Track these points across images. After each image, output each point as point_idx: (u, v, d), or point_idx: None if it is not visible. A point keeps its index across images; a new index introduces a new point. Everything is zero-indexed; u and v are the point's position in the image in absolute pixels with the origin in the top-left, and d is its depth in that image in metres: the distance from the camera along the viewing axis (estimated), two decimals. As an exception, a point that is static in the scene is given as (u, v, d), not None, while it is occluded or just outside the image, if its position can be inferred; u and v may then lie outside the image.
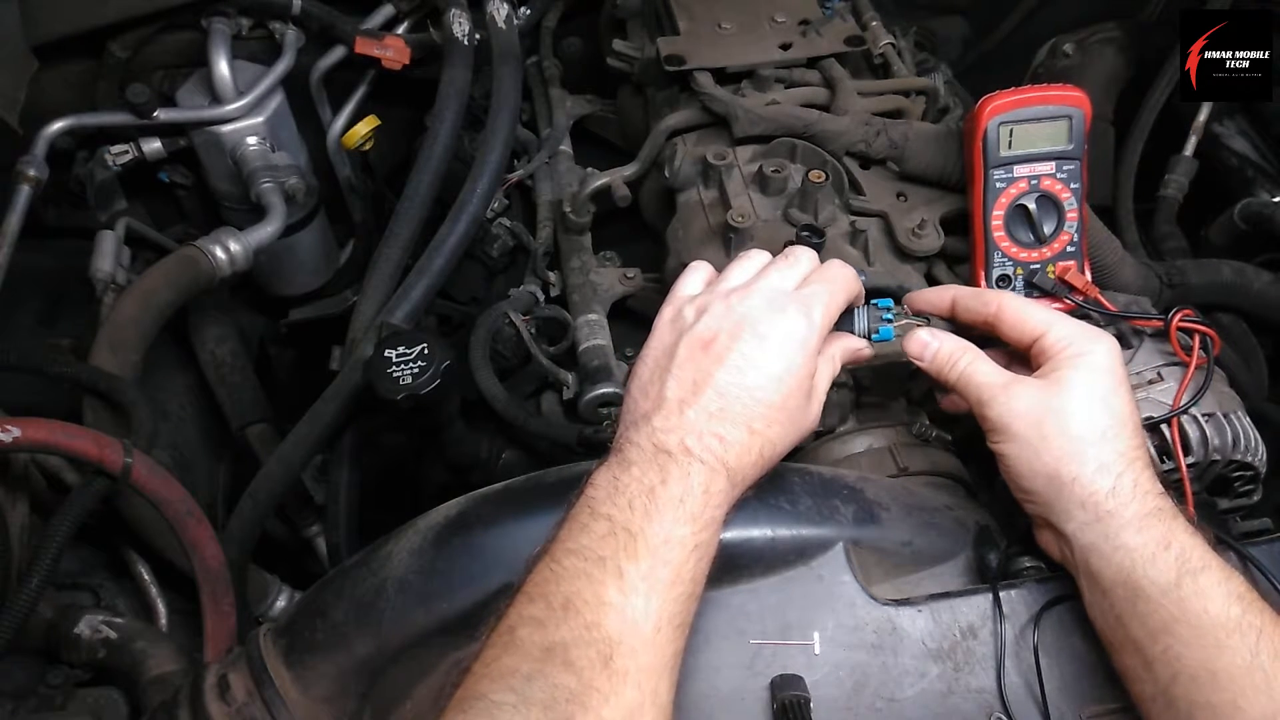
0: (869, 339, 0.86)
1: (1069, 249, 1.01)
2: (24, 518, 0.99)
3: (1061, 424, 0.75)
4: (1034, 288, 1.01)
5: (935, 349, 0.83)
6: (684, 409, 0.73)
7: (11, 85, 1.34)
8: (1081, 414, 0.75)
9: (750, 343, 0.75)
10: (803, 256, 0.84)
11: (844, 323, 0.84)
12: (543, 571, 0.67)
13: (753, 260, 0.84)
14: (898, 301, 0.88)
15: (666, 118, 1.24)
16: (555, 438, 1.12)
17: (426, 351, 0.97)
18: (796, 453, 1.00)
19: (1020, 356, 0.83)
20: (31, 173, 1.26)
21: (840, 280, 0.82)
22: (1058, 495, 0.75)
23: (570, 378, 1.16)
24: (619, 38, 1.43)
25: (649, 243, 1.32)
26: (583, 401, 1.12)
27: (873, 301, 0.86)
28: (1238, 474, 0.98)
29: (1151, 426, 0.93)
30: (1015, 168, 1.00)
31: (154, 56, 1.43)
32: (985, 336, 0.85)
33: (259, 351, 1.59)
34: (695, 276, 0.85)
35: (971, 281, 1.05)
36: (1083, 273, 1.01)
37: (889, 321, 0.85)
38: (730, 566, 0.77)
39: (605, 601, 0.65)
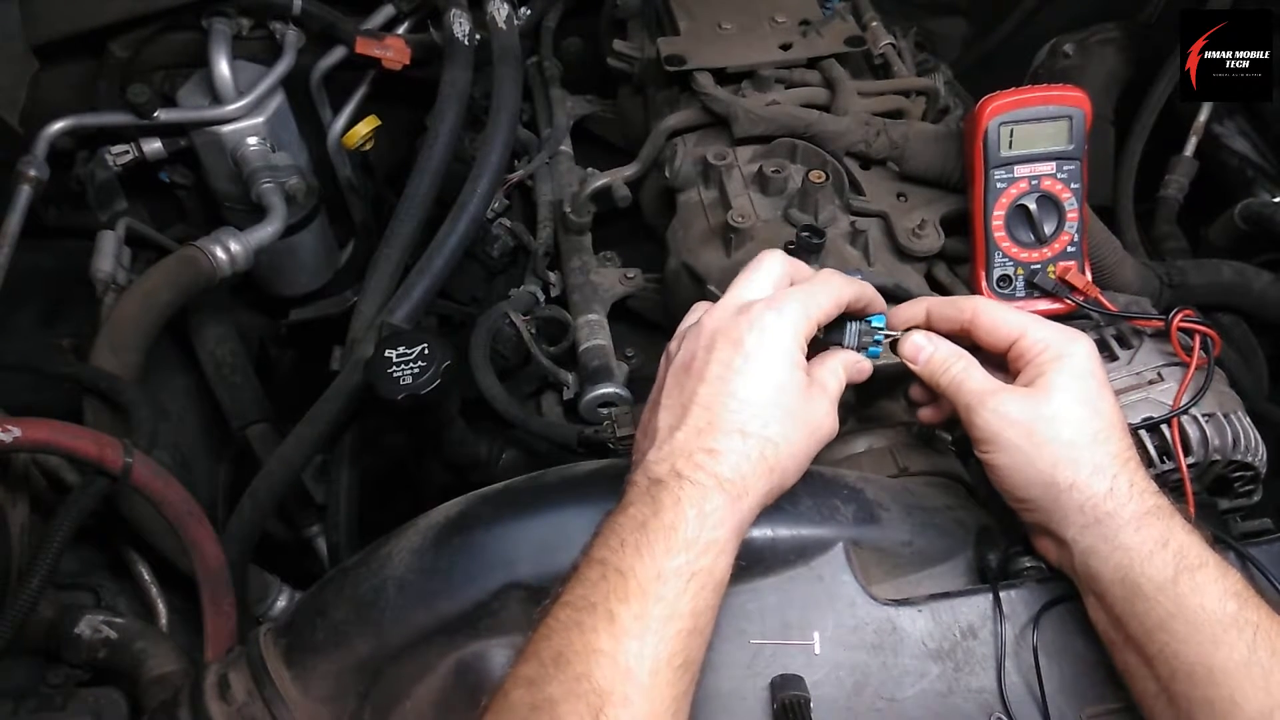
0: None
1: (1069, 249, 1.01)
2: (24, 518, 0.99)
3: (1053, 430, 0.74)
4: (1034, 288, 1.01)
5: (930, 354, 0.81)
6: (674, 434, 0.72)
7: (11, 85, 1.34)
8: (1072, 419, 0.74)
9: (725, 350, 0.74)
10: (766, 257, 0.81)
11: (835, 335, 0.83)
12: (539, 629, 0.66)
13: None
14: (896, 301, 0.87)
15: (667, 118, 1.24)
16: (555, 438, 1.12)
17: (427, 351, 0.97)
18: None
19: (999, 363, 0.81)
20: (32, 173, 1.26)
21: (824, 281, 0.80)
22: (1055, 502, 0.74)
23: (570, 378, 1.16)
24: (619, 38, 1.43)
25: (649, 243, 1.32)
26: (583, 401, 1.12)
27: (865, 319, 0.84)
28: (1238, 474, 0.98)
29: (1151, 427, 0.93)
30: (1016, 168, 1.00)
31: (154, 56, 1.43)
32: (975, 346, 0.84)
33: (259, 351, 1.59)
34: (689, 319, 0.82)
35: (972, 282, 1.05)
36: (1083, 273, 1.01)
37: (878, 343, 0.84)
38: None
39: (596, 650, 0.63)
